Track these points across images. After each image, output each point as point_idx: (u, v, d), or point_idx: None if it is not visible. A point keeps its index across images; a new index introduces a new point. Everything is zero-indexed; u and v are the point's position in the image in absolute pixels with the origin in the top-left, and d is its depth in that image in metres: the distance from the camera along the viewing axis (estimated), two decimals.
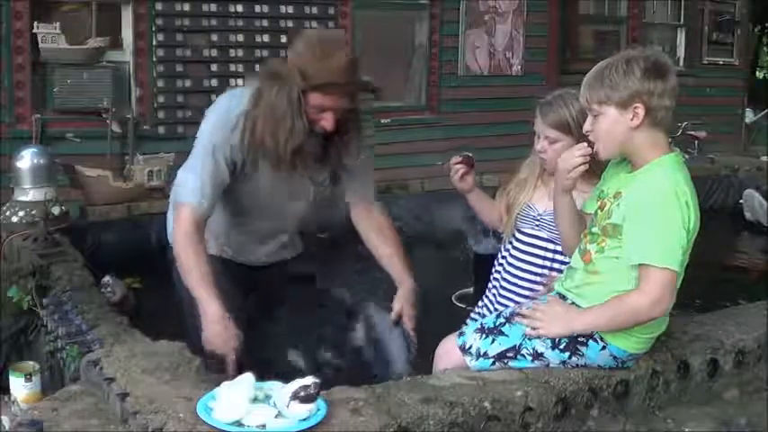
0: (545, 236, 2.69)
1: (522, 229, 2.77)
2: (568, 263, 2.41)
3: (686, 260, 2.15)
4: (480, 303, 2.93)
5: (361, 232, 2.78)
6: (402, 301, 2.65)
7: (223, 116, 2.49)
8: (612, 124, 2.15)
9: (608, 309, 2.18)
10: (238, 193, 2.59)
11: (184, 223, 2.45)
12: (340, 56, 2.37)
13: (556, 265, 2.67)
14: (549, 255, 2.69)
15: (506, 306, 2.65)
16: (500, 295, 2.80)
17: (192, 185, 2.46)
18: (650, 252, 2.08)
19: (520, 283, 2.74)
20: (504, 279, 2.80)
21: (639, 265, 2.10)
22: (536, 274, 2.71)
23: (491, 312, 2.81)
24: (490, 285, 2.90)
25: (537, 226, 2.72)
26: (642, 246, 2.10)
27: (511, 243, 2.81)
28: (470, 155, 2.78)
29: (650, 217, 2.10)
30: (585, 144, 2.25)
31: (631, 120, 2.13)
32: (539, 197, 2.72)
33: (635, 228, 2.12)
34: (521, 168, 2.83)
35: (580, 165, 2.26)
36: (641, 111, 2.11)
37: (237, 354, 2.36)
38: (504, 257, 2.84)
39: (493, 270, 2.90)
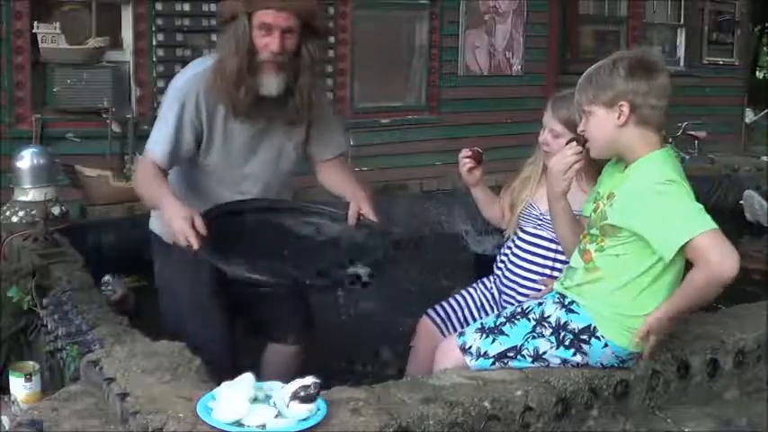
0: (547, 235, 2.69)
1: (525, 228, 2.78)
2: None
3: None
4: (474, 294, 2.91)
5: (327, 185, 2.80)
6: (356, 202, 2.59)
7: (191, 71, 2.62)
8: (601, 123, 2.21)
9: (683, 295, 2.13)
10: (213, 157, 2.63)
11: (145, 169, 2.59)
12: None
13: (558, 265, 2.67)
14: (551, 254, 2.70)
15: (509, 304, 2.65)
16: (503, 293, 2.80)
17: (157, 137, 2.57)
18: (684, 229, 2.05)
19: (522, 282, 2.74)
20: (506, 277, 2.80)
21: (682, 248, 2.06)
22: (538, 273, 2.72)
23: (492, 309, 2.81)
24: (494, 279, 2.90)
25: (539, 225, 2.73)
26: (672, 231, 2.07)
27: (514, 242, 2.81)
28: (480, 150, 2.81)
29: (660, 206, 2.11)
30: (574, 143, 2.28)
31: (618, 118, 2.18)
32: (540, 196, 2.72)
33: (654, 225, 2.11)
34: (523, 168, 2.86)
35: (574, 163, 2.28)
36: (626, 109, 2.17)
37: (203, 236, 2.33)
38: (506, 255, 2.84)
39: (495, 267, 2.91)
